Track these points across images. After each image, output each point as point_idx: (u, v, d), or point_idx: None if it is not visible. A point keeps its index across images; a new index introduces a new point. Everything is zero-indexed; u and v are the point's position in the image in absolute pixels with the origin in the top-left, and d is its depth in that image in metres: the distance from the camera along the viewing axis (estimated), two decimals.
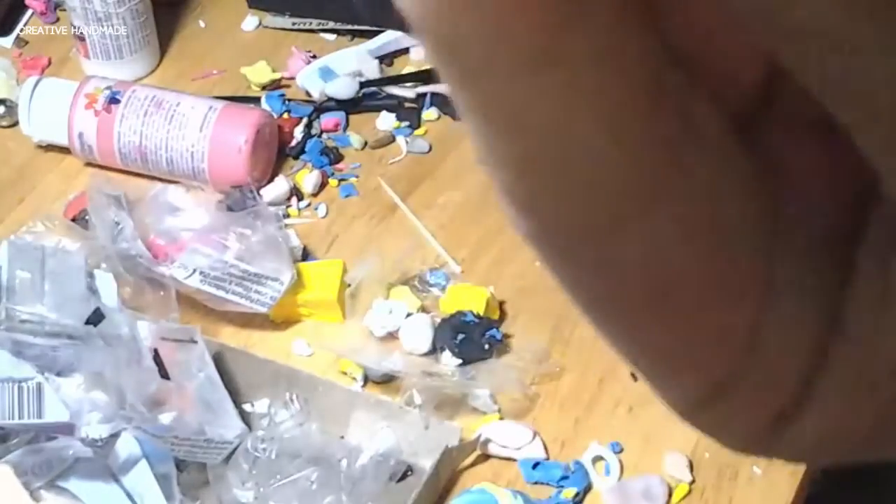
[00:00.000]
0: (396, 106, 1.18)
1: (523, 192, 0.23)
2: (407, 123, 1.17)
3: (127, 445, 0.87)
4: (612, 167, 0.22)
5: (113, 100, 1.10)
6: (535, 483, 0.92)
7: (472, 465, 0.93)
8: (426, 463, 0.90)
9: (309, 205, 1.11)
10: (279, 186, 1.11)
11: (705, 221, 0.23)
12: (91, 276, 0.97)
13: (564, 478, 0.91)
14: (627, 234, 0.23)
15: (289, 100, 1.18)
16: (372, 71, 1.20)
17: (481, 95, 0.22)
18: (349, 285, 1.01)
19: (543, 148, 0.22)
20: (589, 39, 0.21)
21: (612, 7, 0.21)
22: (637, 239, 0.23)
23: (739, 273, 0.24)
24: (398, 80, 1.20)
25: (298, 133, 1.15)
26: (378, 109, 1.18)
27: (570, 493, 0.91)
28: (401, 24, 0.20)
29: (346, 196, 1.12)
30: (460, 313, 0.97)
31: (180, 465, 0.89)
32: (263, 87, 1.20)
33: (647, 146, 0.22)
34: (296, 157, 1.14)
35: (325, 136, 1.16)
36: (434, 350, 0.97)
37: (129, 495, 0.88)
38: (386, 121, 1.17)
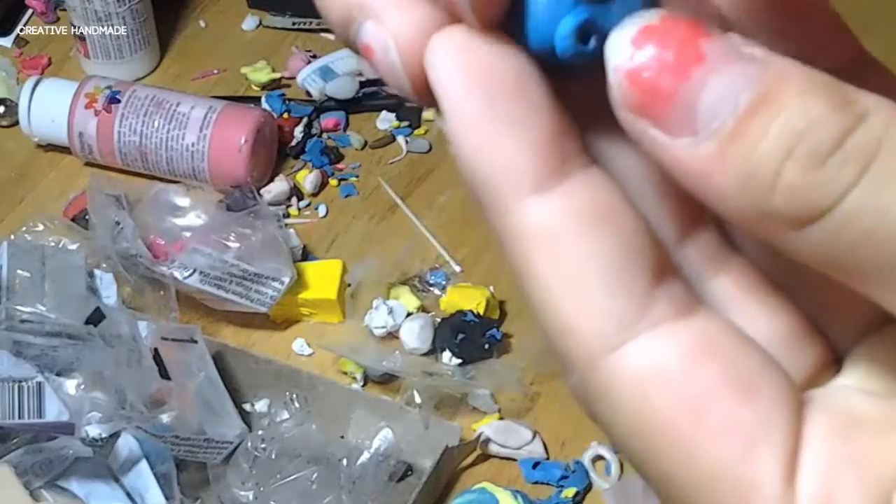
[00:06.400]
0: (396, 106, 1.18)
1: None
2: (407, 123, 1.17)
3: (127, 445, 0.87)
4: None
5: (113, 100, 1.10)
6: (535, 483, 0.92)
7: (472, 465, 0.93)
8: (426, 463, 0.90)
9: (309, 205, 1.11)
10: (279, 186, 1.11)
11: None
12: (91, 276, 0.96)
13: (564, 478, 0.91)
14: None
15: (289, 100, 1.18)
16: (372, 71, 1.20)
17: None
18: (349, 285, 1.01)
19: None
20: None
21: None
22: None
23: None
24: None
25: (298, 133, 1.15)
26: (378, 109, 1.18)
27: (570, 493, 0.91)
28: None
29: (346, 196, 1.12)
30: (460, 313, 0.97)
31: (180, 464, 0.89)
32: (263, 87, 1.20)
33: None
34: (296, 157, 1.14)
35: (325, 135, 1.16)
36: (434, 350, 0.97)
37: (129, 495, 0.88)
38: (386, 121, 1.17)
